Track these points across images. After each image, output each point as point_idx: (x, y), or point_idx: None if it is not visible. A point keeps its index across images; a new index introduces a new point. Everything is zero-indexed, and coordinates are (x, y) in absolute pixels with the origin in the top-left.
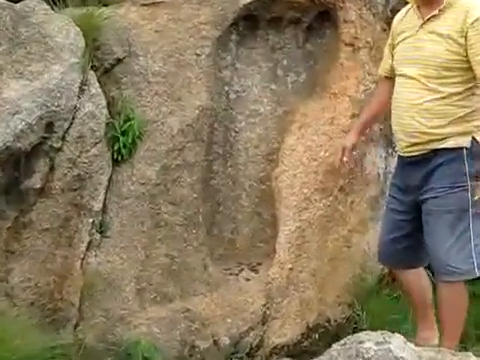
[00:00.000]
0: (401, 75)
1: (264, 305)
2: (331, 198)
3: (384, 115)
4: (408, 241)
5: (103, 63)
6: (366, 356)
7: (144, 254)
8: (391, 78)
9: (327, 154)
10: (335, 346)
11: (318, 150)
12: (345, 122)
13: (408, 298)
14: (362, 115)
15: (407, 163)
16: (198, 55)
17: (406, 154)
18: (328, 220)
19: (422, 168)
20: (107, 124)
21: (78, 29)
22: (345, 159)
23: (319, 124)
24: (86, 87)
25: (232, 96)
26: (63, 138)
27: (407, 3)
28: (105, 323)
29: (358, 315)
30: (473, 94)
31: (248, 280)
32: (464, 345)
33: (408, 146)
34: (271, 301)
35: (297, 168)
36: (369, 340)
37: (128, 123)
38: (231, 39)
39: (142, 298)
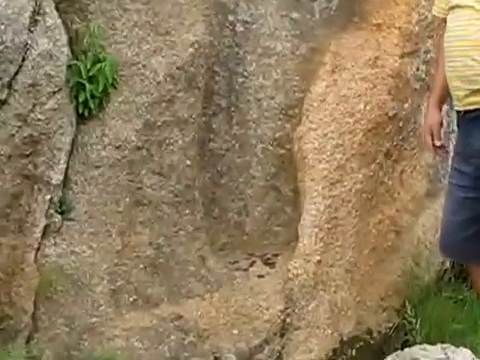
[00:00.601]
0: (454, 7)
1: (283, 311)
2: (373, 166)
3: None
4: (478, 225)
5: None
6: None
7: (121, 242)
8: None
9: (368, 108)
10: None
11: (356, 102)
12: (393, 64)
13: None
14: (436, 79)
15: (467, 120)
16: None
17: (465, 107)
18: (369, 196)
19: None
20: (69, 67)
21: None
22: (438, 143)
23: (357, 66)
24: (40, 17)
25: (239, 29)
26: (9, 86)
27: None
28: (69, 335)
29: (410, 323)
30: None
31: (261, 277)
32: None
33: (467, 96)
34: (292, 305)
35: (327, 126)
36: (426, 357)
37: (97, 66)
38: None
39: (118, 301)
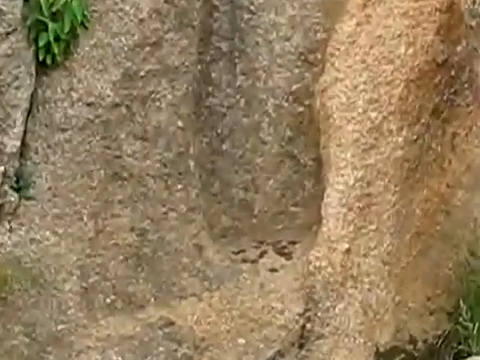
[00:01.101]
0: None
1: (302, 314)
2: (418, 128)
3: None
4: None
5: None
6: None
7: (94, 227)
8: None
9: (410, 51)
10: None
11: (395, 44)
12: None
13: None
14: None
15: None
16: None
17: None
18: (412, 166)
19: None
20: (26, 1)
21: None
22: None
23: None
24: None
25: None
26: None
27: None
28: (29, 346)
29: (465, 329)
30: None
31: (274, 271)
32: None
33: None
34: (314, 307)
35: (359, 76)
36: None
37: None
38: None
39: (92, 303)
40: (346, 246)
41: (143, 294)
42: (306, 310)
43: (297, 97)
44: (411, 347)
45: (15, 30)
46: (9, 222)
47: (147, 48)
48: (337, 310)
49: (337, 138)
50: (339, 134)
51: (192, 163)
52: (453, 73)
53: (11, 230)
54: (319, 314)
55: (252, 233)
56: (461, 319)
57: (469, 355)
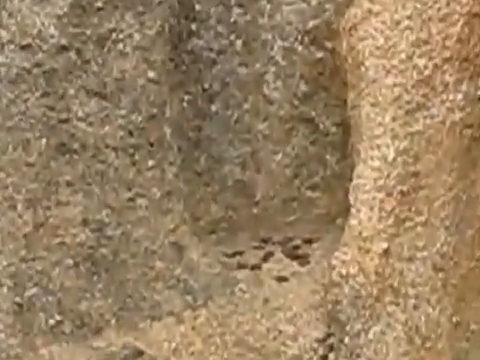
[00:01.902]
0: None
1: (323, 340)
2: None
3: None
4: None
5: None
6: None
7: (31, 220)
8: None
9: None
10: None
11: None
12: None
13: None
14: None
15: None
16: None
17: None
18: (476, 135)
19: None
20: None
21: None
22: None
23: None
24: None
25: None
26: None
27: None
28: None
29: None
30: None
31: (284, 280)
32: None
33: None
34: (340, 331)
35: (401, 8)
36: None
37: None
38: None
39: (28, 325)
40: (384, 246)
41: (100, 313)
42: (328, 335)
43: (315, 38)
44: None
45: None
46: None
47: None
48: (371, 335)
49: (371, 95)
50: (374, 89)
51: (168, 130)
52: None
53: None
54: (346, 341)
55: (252, 228)
56: None
57: None
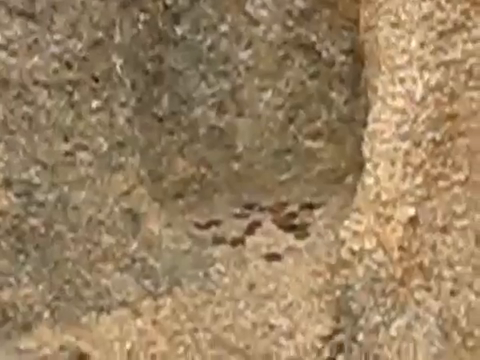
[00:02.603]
0: None
1: (329, 338)
2: None
3: None
4: None
5: None
6: None
7: None
8: None
9: None
10: None
11: None
12: None
13: None
14: None
15: None
16: None
17: None
18: None
19: None
20: None
21: None
22: None
23: None
24: None
25: None
26: None
27: None
28: None
29: None
30: None
31: (276, 259)
32: None
33: None
34: (351, 325)
35: None
36: None
37: None
38: None
39: None
40: (410, 212)
41: (29, 304)
42: (335, 331)
43: None
44: None
45: None
46: None
47: None
48: (394, 331)
49: (392, 11)
50: (395, 4)
51: (118, 60)
52: None
53: None
54: (360, 338)
55: (233, 190)
56: None
57: None
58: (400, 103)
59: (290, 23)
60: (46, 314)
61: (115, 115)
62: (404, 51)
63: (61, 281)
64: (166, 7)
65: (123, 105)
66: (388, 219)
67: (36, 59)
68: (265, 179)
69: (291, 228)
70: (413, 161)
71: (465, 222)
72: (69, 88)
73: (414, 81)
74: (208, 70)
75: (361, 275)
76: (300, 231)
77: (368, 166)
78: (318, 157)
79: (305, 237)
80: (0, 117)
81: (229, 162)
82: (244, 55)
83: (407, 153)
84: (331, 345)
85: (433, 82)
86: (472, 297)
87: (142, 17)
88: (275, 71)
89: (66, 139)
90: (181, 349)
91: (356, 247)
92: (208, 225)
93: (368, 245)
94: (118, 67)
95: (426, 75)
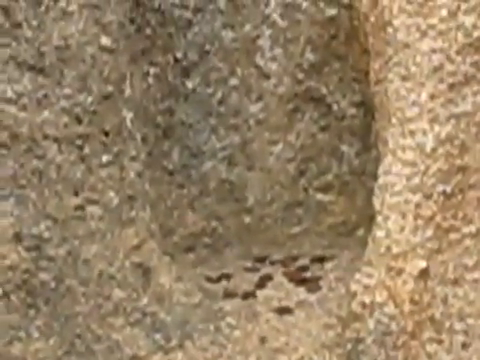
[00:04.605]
0: None
1: None
2: None
3: None
4: None
5: None
6: None
7: None
8: None
9: None
10: None
11: None
12: None
13: None
14: None
15: None
16: None
17: None
18: None
19: None
20: None
21: None
22: None
23: None
24: None
25: None
26: None
27: None
28: None
29: None
30: None
31: (287, 313)
32: None
33: None
34: None
35: None
36: None
37: None
38: None
39: None
40: (421, 265)
41: (40, 359)
42: None
43: None
44: None
45: None
46: None
47: None
48: None
49: (402, 65)
50: (406, 58)
51: (128, 115)
52: None
53: None
54: None
55: (244, 243)
56: None
57: None
58: (410, 156)
59: (300, 76)
60: None
61: (125, 169)
62: (414, 104)
63: (72, 335)
64: (176, 61)
65: (133, 159)
66: (399, 272)
67: (46, 113)
68: (276, 232)
69: (302, 281)
70: (424, 214)
71: (476, 275)
72: (79, 142)
73: (424, 134)
74: (218, 124)
75: (372, 328)
76: (311, 284)
77: (379, 219)
78: (329, 210)
79: (316, 290)
80: (10, 171)
81: (240, 215)
82: (254, 108)
83: (418, 206)
84: None
85: (443, 135)
86: None
87: (152, 71)
88: (285, 124)
89: (76, 193)
90: None
91: (367, 300)
92: (219, 279)
93: (379, 298)
94: (128, 121)
95: (436, 128)
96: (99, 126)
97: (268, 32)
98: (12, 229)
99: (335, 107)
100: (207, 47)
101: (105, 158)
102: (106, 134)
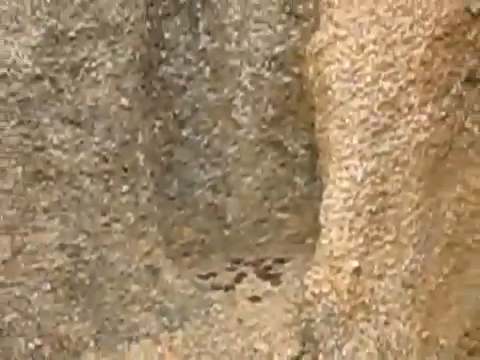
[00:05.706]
0: None
1: (298, 357)
2: (447, 101)
3: None
4: None
5: None
6: None
7: (9, 246)
8: None
9: None
10: None
11: None
12: None
13: None
14: None
15: None
16: None
17: None
18: (441, 154)
19: None
20: None
21: None
22: None
23: None
24: None
25: None
26: None
27: None
28: None
29: None
30: None
31: (257, 300)
32: None
33: None
34: (313, 348)
35: (366, 32)
36: None
37: None
38: None
39: (9, 350)
40: (355, 264)
41: (79, 336)
42: (302, 353)
43: (282, 63)
44: None
45: None
46: None
47: None
48: (344, 352)
49: (338, 118)
50: (341, 112)
51: (141, 156)
52: None
53: None
54: (320, 358)
55: (225, 249)
56: None
57: None
58: (346, 184)
59: (264, 126)
60: (91, 344)
61: (139, 196)
62: (348, 146)
63: (102, 319)
64: (175, 116)
65: (145, 188)
66: (339, 270)
67: (82, 155)
68: (248, 241)
69: (268, 277)
70: (356, 227)
71: (394, 271)
72: (106, 176)
73: (356, 168)
74: (205, 162)
75: (320, 311)
76: (275, 279)
77: (323, 231)
78: (286, 225)
79: (278, 284)
80: (56, 198)
81: (222, 230)
82: (231, 150)
83: (351, 221)
84: None
85: (369, 169)
86: (400, 326)
87: (158, 123)
88: (254, 162)
89: (104, 214)
90: None
91: (316, 291)
92: (207, 276)
93: (325, 289)
94: (141, 160)
95: (364, 163)
96: (120, 164)
97: (241, 94)
98: (58, 241)
99: (290, 149)
100: (197, 105)
101: (124, 188)
102: (125, 170)
